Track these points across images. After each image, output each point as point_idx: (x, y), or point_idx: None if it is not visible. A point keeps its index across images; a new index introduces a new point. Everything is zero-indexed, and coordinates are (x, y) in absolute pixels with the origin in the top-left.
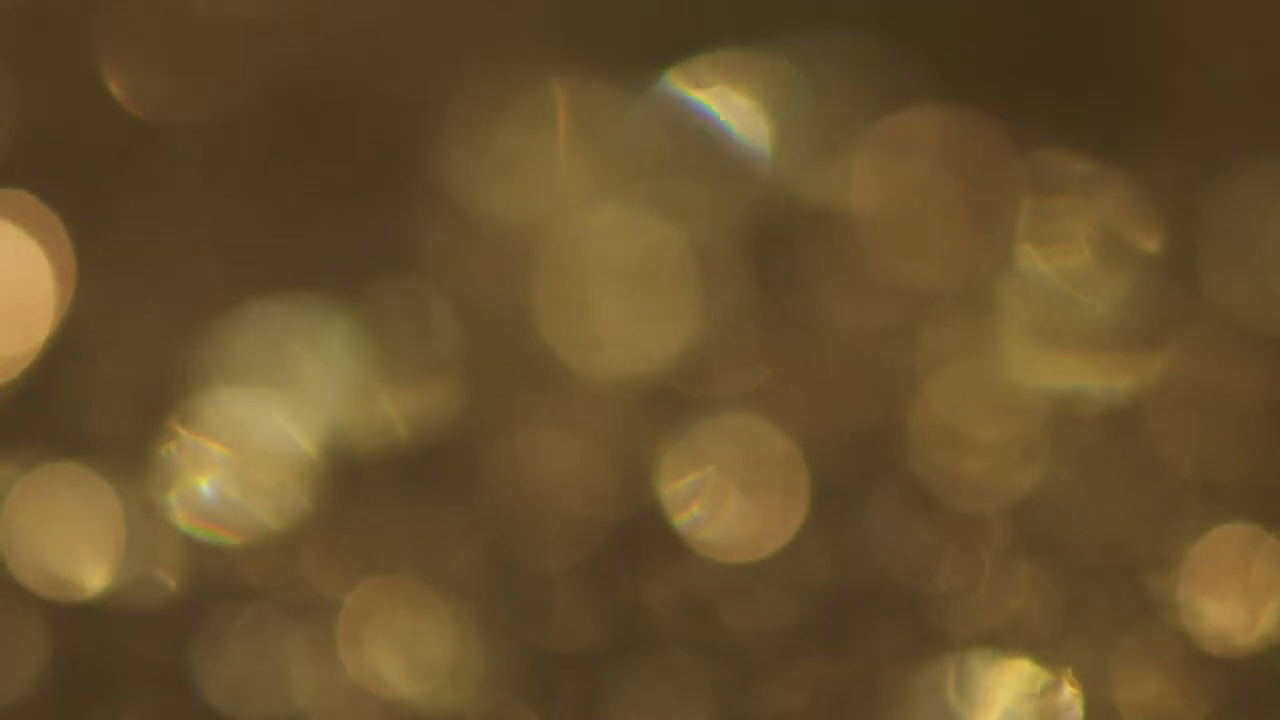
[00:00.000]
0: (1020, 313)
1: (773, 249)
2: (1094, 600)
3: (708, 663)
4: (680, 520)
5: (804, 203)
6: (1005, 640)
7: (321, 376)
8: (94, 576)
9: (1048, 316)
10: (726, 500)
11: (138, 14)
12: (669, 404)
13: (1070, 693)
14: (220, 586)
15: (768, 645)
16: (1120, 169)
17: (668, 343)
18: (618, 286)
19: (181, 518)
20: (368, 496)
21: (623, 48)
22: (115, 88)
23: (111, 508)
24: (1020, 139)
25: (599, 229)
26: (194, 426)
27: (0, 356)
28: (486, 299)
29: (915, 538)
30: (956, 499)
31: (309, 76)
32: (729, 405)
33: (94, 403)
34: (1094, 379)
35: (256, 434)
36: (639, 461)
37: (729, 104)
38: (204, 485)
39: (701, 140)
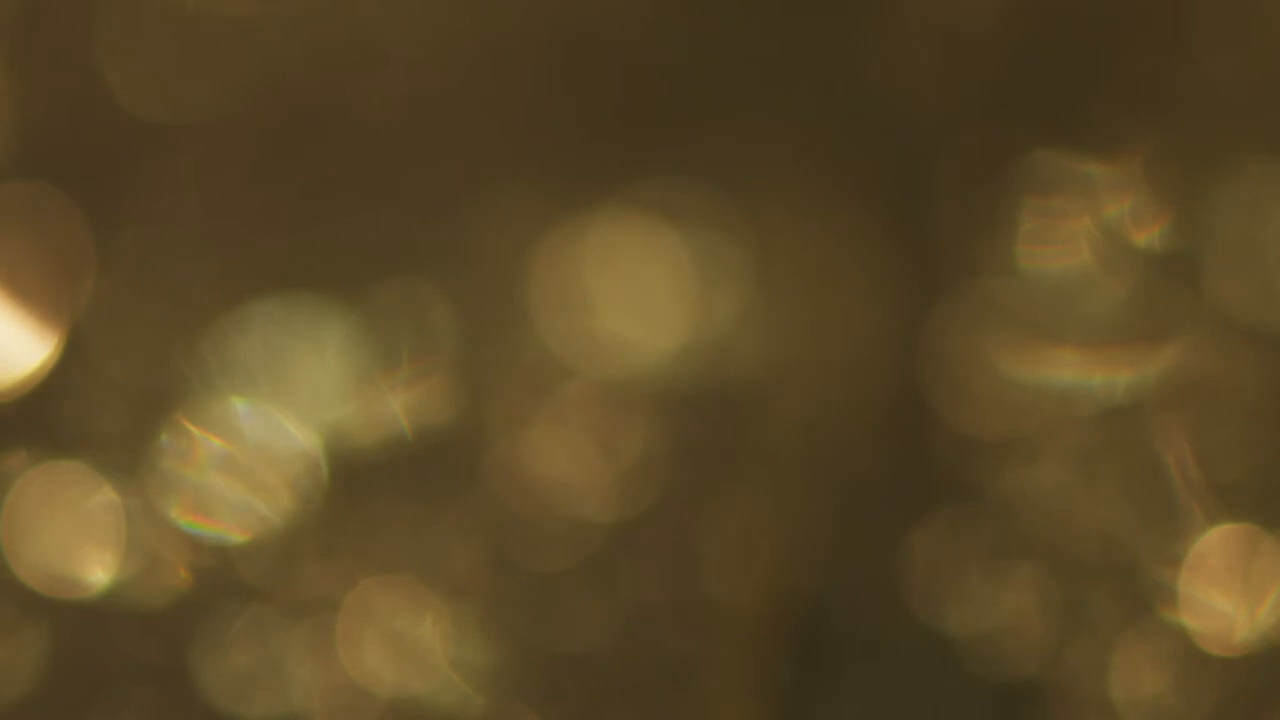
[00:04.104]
0: (1020, 313)
1: (772, 249)
2: (1094, 600)
3: (707, 662)
4: (680, 520)
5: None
6: (1005, 640)
7: (321, 376)
8: (94, 575)
9: (1048, 316)
10: (727, 499)
11: (138, 14)
12: (669, 404)
13: None
14: (220, 586)
15: (768, 644)
16: (1120, 169)
17: (667, 343)
18: (618, 286)
19: (181, 516)
20: (368, 496)
21: (625, 47)
22: (115, 88)
23: (112, 507)
24: (1020, 139)
25: (599, 229)
26: (194, 426)
27: (13, 357)
28: (486, 299)
29: (915, 537)
30: (956, 499)
31: (309, 76)
32: (729, 405)
33: (94, 401)
34: (1094, 379)
35: (256, 433)
36: (639, 461)
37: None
38: (204, 484)
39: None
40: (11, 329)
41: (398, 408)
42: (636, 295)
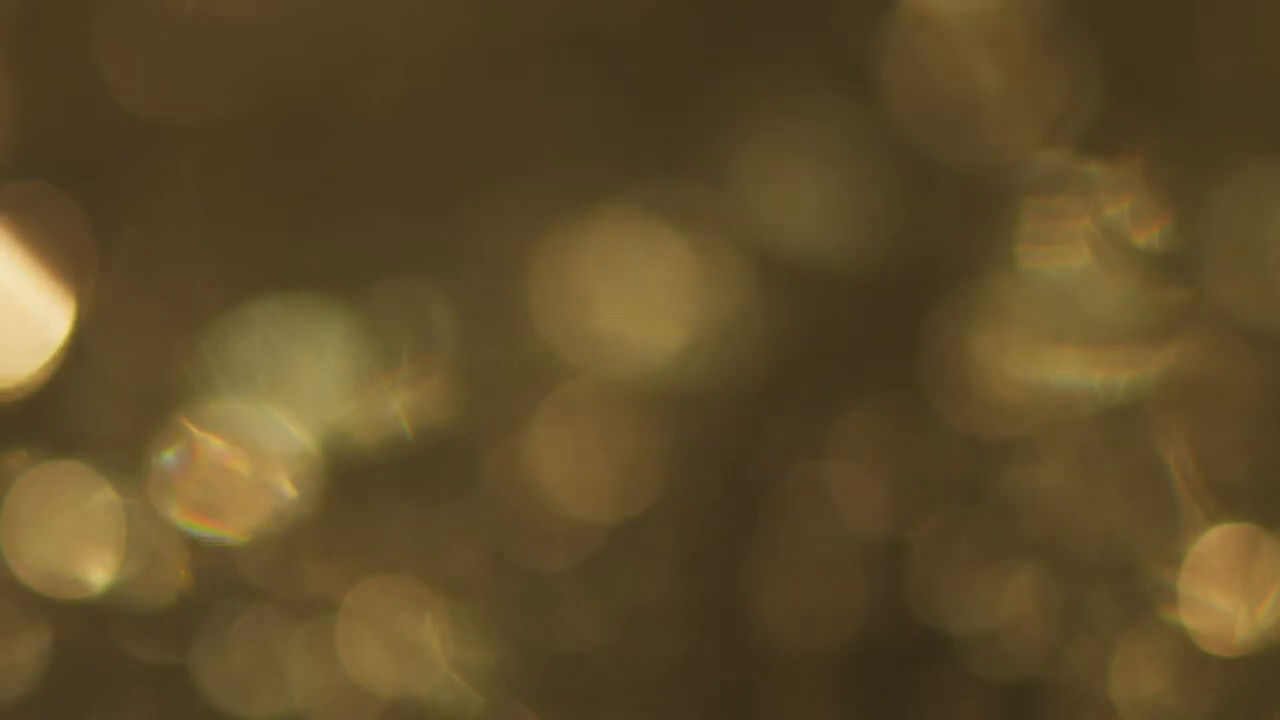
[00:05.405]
0: (1020, 313)
1: (771, 248)
2: (1094, 600)
3: (707, 663)
4: (682, 520)
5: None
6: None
7: (321, 376)
8: (94, 575)
9: (1048, 316)
10: (725, 498)
11: (138, 14)
12: (669, 404)
13: None
14: (220, 586)
15: (766, 646)
16: (1120, 169)
17: (667, 343)
18: (618, 286)
19: (181, 516)
20: (368, 496)
21: (625, 47)
22: (115, 88)
23: (112, 507)
24: (1020, 139)
25: (599, 229)
26: (194, 426)
27: (13, 357)
28: (486, 299)
29: (915, 537)
30: (956, 499)
31: (309, 76)
32: (728, 405)
33: (94, 401)
34: (1094, 379)
35: (256, 433)
36: (639, 461)
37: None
38: (204, 484)
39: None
40: (12, 329)
41: (398, 408)
42: (636, 295)
